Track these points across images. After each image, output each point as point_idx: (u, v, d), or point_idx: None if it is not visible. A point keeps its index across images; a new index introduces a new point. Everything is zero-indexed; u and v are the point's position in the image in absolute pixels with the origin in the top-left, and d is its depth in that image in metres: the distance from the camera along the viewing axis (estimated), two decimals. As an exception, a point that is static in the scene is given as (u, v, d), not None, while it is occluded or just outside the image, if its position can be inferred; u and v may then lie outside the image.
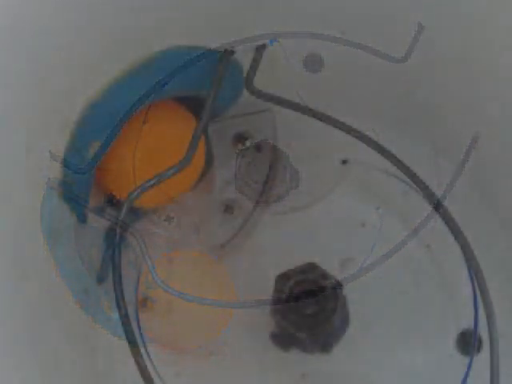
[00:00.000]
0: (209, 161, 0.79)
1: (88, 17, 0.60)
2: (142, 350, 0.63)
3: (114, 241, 0.66)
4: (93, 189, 0.72)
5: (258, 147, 0.78)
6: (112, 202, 0.75)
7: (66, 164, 0.65)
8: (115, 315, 0.74)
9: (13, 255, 0.60)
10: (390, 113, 0.80)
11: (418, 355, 0.80)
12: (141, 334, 0.74)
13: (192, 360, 0.80)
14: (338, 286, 0.72)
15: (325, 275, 0.72)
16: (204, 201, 0.79)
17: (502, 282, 0.72)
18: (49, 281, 0.66)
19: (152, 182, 0.64)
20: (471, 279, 0.74)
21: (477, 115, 0.74)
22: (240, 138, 0.78)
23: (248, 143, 0.77)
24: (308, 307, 0.73)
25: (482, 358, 0.76)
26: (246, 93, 0.75)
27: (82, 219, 0.71)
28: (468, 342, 0.78)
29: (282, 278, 0.73)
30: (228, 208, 0.77)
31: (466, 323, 0.79)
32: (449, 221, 0.67)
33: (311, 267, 0.72)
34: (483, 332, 0.76)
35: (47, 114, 0.62)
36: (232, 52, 0.71)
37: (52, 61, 0.59)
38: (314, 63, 0.70)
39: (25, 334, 0.63)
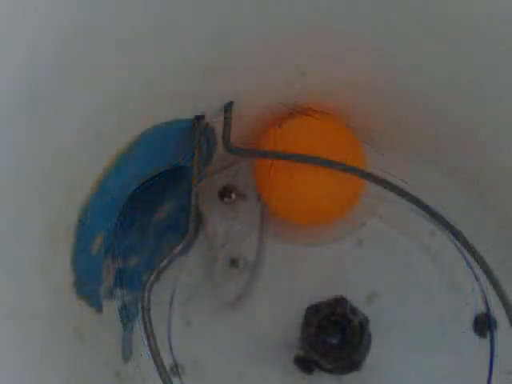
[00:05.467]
0: (198, 220, 0.80)
1: (69, 115, 0.61)
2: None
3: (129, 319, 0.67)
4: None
5: (243, 196, 0.80)
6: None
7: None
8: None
9: (13, 255, 0.61)
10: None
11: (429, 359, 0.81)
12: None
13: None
14: (365, 321, 0.75)
15: (353, 309, 0.75)
16: (206, 259, 0.81)
17: (501, 282, 0.73)
18: (50, 281, 0.67)
19: (164, 263, 0.66)
20: (476, 279, 0.77)
21: (476, 116, 0.76)
22: (225, 191, 0.80)
23: (233, 195, 0.79)
24: (334, 339, 0.75)
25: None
26: (219, 148, 0.77)
27: (99, 309, 0.73)
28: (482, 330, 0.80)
29: (312, 310, 0.75)
30: (233, 262, 0.78)
31: (468, 323, 0.82)
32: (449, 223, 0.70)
33: (340, 301, 0.75)
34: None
35: (53, 219, 0.63)
36: (202, 116, 0.72)
37: (50, 165, 0.61)
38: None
39: (26, 334, 0.63)
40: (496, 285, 0.71)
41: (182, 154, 0.75)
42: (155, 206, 0.83)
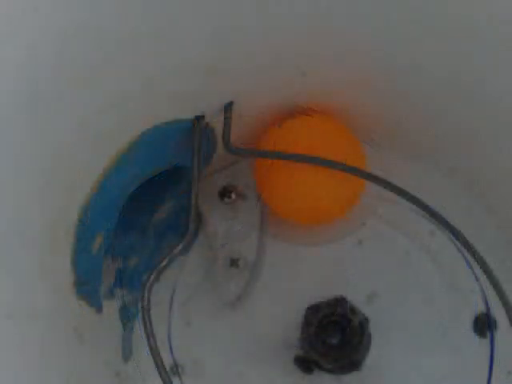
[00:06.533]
0: (198, 220, 0.80)
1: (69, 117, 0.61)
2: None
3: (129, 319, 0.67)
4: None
5: (243, 196, 0.80)
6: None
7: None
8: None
9: (13, 255, 0.62)
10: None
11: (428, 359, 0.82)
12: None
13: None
14: (365, 321, 0.75)
15: (353, 309, 0.75)
16: (206, 259, 0.81)
17: (501, 282, 0.73)
18: (50, 281, 0.67)
19: (164, 263, 0.66)
20: (476, 279, 0.78)
21: (476, 116, 0.76)
22: (225, 191, 0.80)
23: (233, 195, 0.79)
24: (334, 339, 0.75)
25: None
26: (219, 148, 0.77)
27: (99, 309, 0.73)
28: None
29: (312, 310, 0.75)
30: (233, 262, 0.79)
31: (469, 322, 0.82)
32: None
33: (340, 301, 0.75)
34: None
35: (53, 219, 0.63)
36: (202, 117, 0.72)
37: (51, 168, 0.61)
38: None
39: (26, 334, 0.64)
40: (496, 285, 0.71)
41: (182, 154, 0.75)
42: (155, 206, 0.83)
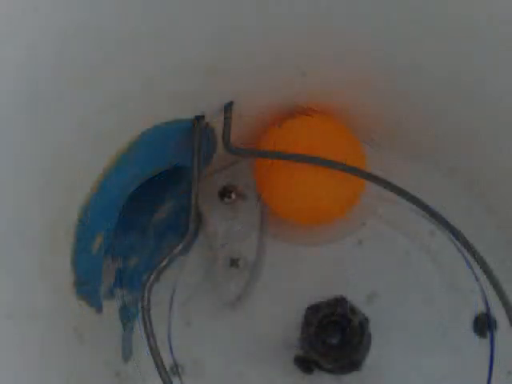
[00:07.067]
0: (198, 220, 0.80)
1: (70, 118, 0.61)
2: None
3: (129, 319, 0.67)
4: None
5: (243, 196, 0.80)
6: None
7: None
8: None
9: (13, 255, 0.62)
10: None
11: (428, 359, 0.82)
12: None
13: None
14: (365, 321, 0.75)
15: (353, 309, 0.75)
16: (206, 259, 0.81)
17: (501, 282, 0.73)
18: (50, 281, 0.67)
19: (164, 263, 0.66)
20: (476, 279, 0.78)
21: (476, 116, 0.76)
22: (225, 191, 0.80)
23: (233, 195, 0.79)
24: (334, 339, 0.75)
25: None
26: (219, 148, 0.77)
27: (99, 309, 0.73)
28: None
29: (312, 310, 0.76)
30: (233, 262, 0.79)
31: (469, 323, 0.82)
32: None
33: (340, 301, 0.75)
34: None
35: (53, 219, 0.64)
36: (202, 117, 0.72)
37: (50, 169, 0.61)
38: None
39: (26, 334, 0.64)
40: (496, 285, 0.71)
41: (182, 154, 0.75)
42: (155, 206, 0.83)
